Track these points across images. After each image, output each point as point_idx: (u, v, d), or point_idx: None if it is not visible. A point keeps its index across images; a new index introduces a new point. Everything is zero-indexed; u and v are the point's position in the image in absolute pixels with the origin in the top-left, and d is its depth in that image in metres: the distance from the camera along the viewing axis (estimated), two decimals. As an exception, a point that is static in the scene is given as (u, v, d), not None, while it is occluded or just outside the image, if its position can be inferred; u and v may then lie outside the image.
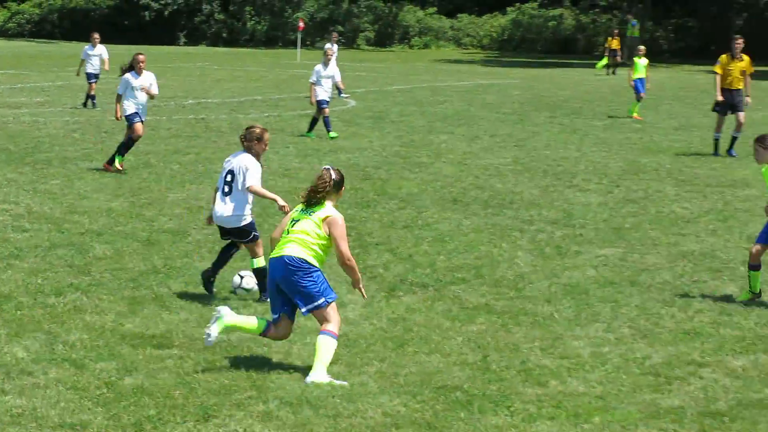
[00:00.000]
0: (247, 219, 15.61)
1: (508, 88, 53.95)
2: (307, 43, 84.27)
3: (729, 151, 30.93)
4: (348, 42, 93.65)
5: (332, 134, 32.79)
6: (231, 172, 15.56)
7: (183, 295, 15.57)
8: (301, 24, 79.42)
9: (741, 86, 30.85)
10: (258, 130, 15.78)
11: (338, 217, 12.72)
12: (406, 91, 50.38)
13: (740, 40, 30.91)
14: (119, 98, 26.69)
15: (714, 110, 31.55)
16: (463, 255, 18.44)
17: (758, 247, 16.03)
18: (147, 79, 26.38)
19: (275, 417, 11.13)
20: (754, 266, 15.98)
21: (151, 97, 26.92)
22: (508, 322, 14.66)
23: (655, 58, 79.55)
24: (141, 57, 26.47)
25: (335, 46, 39.24)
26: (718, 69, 30.96)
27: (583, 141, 34.27)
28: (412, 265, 17.61)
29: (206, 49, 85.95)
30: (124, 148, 26.11)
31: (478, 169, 27.87)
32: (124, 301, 15.20)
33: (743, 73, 30.70)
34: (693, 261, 18.30)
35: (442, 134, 33.05)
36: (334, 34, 54.14)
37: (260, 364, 12.75)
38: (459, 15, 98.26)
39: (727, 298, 15.97)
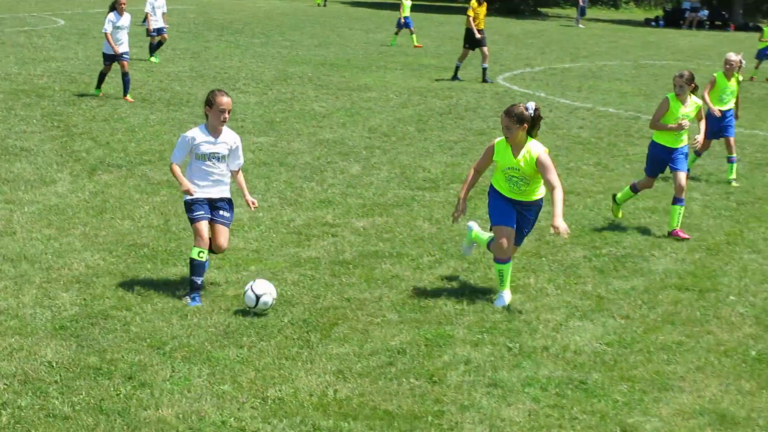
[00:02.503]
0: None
1: (186, 12, 53.07)
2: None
3: (486, 80, 29.60)
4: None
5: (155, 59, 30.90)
6: None
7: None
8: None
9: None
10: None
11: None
12: (104, 13, 49.09)
13: None
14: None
15: (465, 46, 29.94)
16: (149, 142, 18.20)
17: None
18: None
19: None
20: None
21: None
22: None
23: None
24: None
25: None
26: (470, 12, 29.69)
27: (244, 54, 34.07)
28: (110, 150, 17.29)
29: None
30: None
31: (161, 75, 27.50)
32: None
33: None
34: (327, 147, 18.50)
35: (133, 48, 32.35)
36: None
37: (-13, 228, 12.43)
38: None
39: (353, 175, 16.21)
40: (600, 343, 9.53)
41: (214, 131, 10.38)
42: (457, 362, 8.94)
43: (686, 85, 13.65)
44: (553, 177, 10.16)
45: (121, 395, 8.04)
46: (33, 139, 17.88)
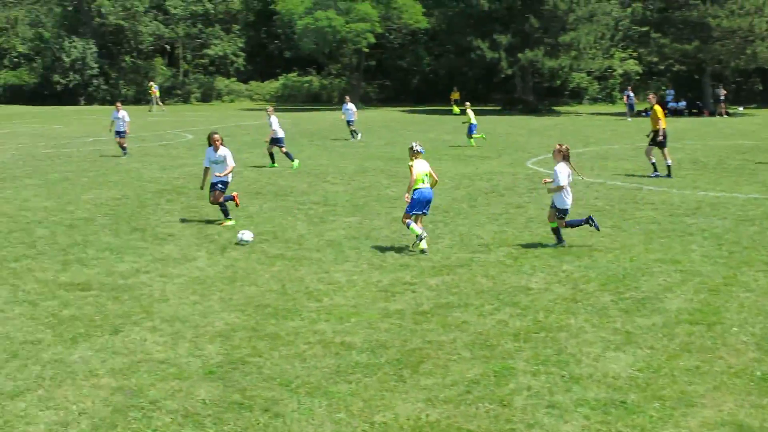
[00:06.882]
0: None
1: (284, 124, 53.32)
2: (158, 102, 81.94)
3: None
4: (184, 99, 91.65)
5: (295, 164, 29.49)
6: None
7: (96, 258, 15.01)
8: (155, 89, 77.18)
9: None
10: (563, 146, 15.70)
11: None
12: (222, 128, 49.63)
13: None
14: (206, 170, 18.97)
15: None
16: (265, 225, 18.18)
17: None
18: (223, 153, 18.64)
19: (159, 329, 10.81)
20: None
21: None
22: (295, 264, 14.50)
23: (368, 104, 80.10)
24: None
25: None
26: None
27: (330, 154, 34.18)
28: (235, 232, 17.27)
29: (98, 107, 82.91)
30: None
31: (269, 174, 27.59)
32: (58, 263, 14.58)
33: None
34: (401, 223, 18.36)
35: (245, 153, 32.65)
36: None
37: (147, 296, 12.37)
38: (250, 81, 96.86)
39: (421, 244, 16.07)
40: (633, 370, 9.25)
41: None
42: (521, 389, 8.72)
43: None
44: None
45: (261, 424, 7.93)
46: (176, 227, 17.96)
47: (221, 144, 18.58)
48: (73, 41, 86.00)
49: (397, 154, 34.10)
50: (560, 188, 15.53)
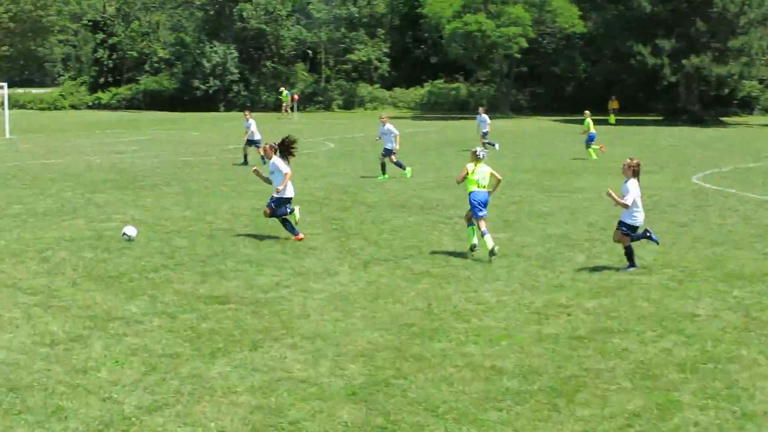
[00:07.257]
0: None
1: (429, 133, 53.72)
2: (300, 108, 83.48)
3: None
4: (326, 106, 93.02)
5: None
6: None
7: (235, 270, 15.33)
8: (296, 96, 78.77)
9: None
10: (634, 161, 15.63)
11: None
12: (364, 137, 50.09)
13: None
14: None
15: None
16: (410, 240, 18.23)
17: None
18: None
19: (299, 347, 10.95)
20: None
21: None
22: (441, 281, 14.49)
23: (518, 112, 79.63)
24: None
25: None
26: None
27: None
28: (378, 247, 17.40)
29: (237, 113, 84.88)
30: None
31: (414, 185, 27.69)
32: (197, 274, 14.96)
33: None
34: (555, 240, 18.17)
35: (388, 164, 32.85)
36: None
37: (287, 311, 12.55)
38: (394, 88, 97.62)
39: (579, 263, 15.83)
40: (814, 408, 8.89)
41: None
42: (687, 424, 8.48)
43: None
44: None
45: (406, 451, 7.93)
46: (318, 240, 18.19)
47: (275, 154, 18.65)
48: (214, 46, 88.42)
49: (551, 166, 33.78)
50: (625, 206, 15.32)
